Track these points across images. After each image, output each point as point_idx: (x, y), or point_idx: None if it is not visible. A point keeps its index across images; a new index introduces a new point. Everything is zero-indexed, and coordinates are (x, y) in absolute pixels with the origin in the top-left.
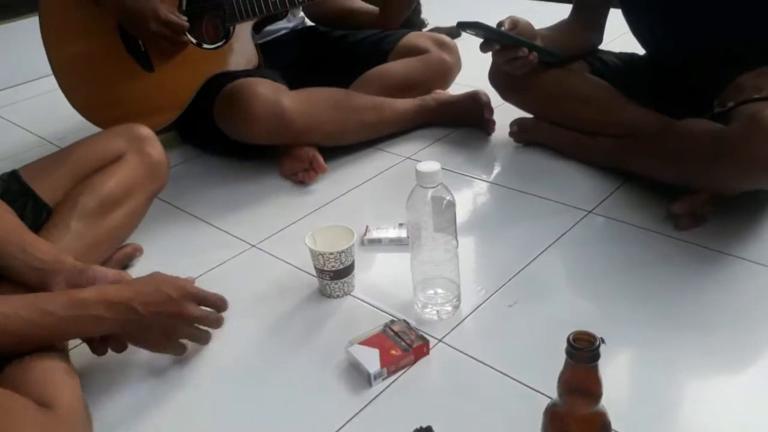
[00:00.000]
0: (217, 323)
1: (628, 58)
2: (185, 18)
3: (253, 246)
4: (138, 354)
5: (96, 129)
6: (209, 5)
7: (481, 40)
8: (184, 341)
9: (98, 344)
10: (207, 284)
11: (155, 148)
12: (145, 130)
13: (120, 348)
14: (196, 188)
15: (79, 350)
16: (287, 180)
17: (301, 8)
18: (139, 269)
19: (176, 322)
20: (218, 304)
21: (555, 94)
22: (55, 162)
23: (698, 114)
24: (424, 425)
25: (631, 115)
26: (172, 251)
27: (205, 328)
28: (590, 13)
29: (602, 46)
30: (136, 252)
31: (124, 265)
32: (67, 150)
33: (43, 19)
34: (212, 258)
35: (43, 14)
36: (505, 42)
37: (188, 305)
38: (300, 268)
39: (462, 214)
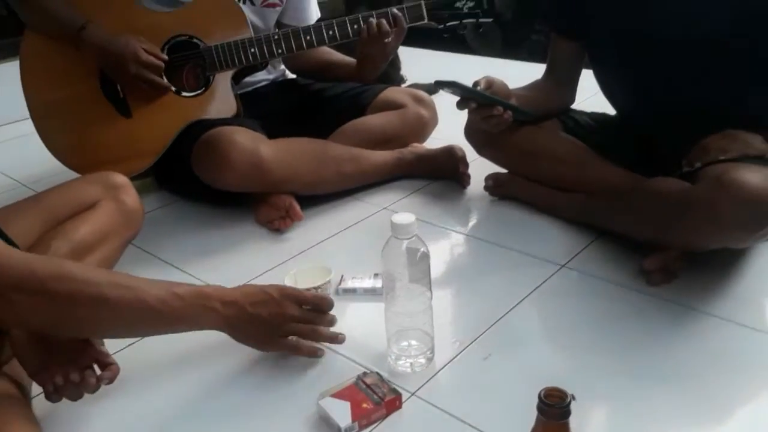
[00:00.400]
0: (325, 321)
1: (599, 118)
2: (165, 56)
3: None
4: (99, 404)
5: (72, 174)
6: (190, 54)
7: (458, 98)
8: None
9: (53, 392)
10: (178, 334)
11: (130, 195)
12: (121, 178)
13: (76, 396)
14: (170, 234)
15: (38, 399)
16: (263, 227)
17: (281, 60)
18: None
19: (279, 321)
20: (319, 303)
21: (529, 151)
22: (29, 207)
23: (668, 172)
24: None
25: (603, 173)
26: None
27: (321, 330)
28: (563, 73)
29: (574, 106)
30: None
31: None
32: (42, 195)
33: (23, 63)
34: None
35: (24, 59)
36: (480, 101)
37: (288, 304)
38: None
39: (437, 265)
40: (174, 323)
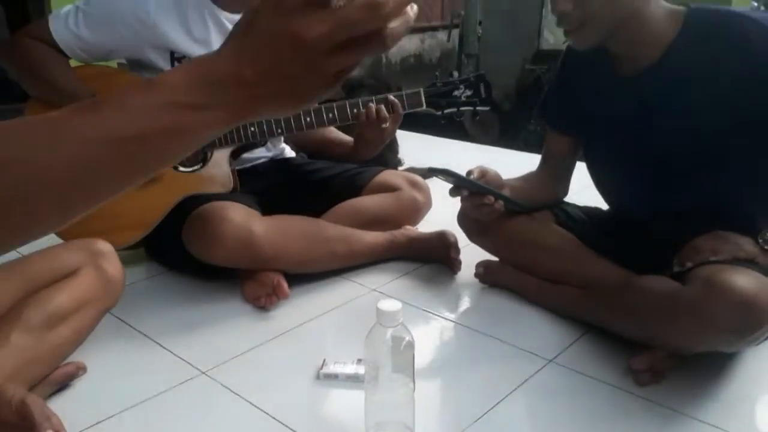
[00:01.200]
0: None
1: (592, 212)
2: None
3: (203, 373)
4: None
5: (56, 240)
6: None
7: (451, 185)
8: None
9: None
10: (146, 413)
11: (113, 264)
12: (105, 246)
13: None
14: (153, 306)
15: None
16: (249, 304)
17: (281, 138)
18: (78, 389)
19: (307, 62)
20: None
21: (520, 242)
22: (6, 272)
23: (659, 269)
24: None
25: (594, 267)
26: (115, 372)
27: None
28: (556, 166)
29: (567, 198)
30: (78, 371)
31: (63, 385)
32: (22, 260)
33: None
34: (157, 382)
35: None
36: (473, 189)
37: (305, 23)
38: (251, 402)
39: (422, 352)
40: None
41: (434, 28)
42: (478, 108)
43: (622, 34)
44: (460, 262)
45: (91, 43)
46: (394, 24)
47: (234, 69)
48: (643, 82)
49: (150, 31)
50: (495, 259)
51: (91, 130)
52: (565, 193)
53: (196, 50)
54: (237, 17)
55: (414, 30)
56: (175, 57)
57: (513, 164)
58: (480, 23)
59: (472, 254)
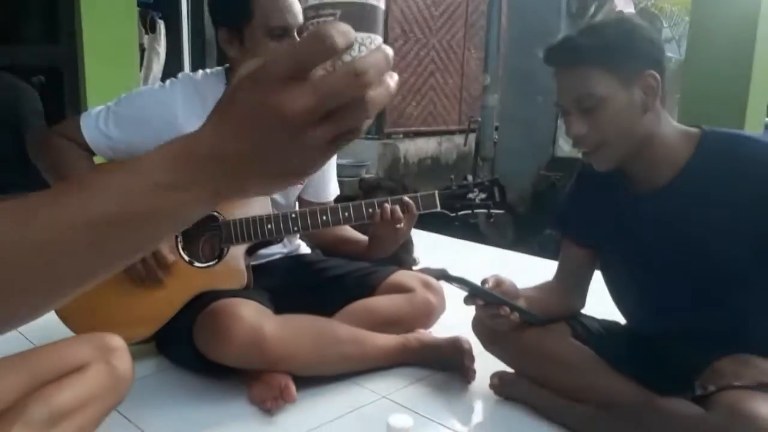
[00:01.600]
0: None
1: (609, 326)
2: (173, 257)
3: None
4: None
5: (66, 331)
6: (208, 226)
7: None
8: None
9: None
10: None
11: (124, 361)
12: (116, 341)
13: None
14: (158, 404)
15: None
16: (255, 406)
17: (297, 235)
18: None
19: (286, 137)
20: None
21: (536, 354)
22: (14, 364)
23: (678, 388)
24: None
25: (611, 384)
26: None
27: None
28: (573, 278)
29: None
30: None
31: None
32: (30, 354)
33: None
34: None
35: None
36: (488, 299)
37: (283, 92)
38: None
39: None
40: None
41: (451, 132)
42: (492, 211)
43: (637, 155)
44: (474, 372)
45: (118, 142)
46: (375, 92)
47: (216, 145)
48: (659, 201)
49: (176, 134)
50: (510, 370)
51: (66, 212)
52: (583, 305)
53: None
54: None
55: (432, 133)
56: None
57: (529, 270)
58: (497, 128)
59: (486, 362)
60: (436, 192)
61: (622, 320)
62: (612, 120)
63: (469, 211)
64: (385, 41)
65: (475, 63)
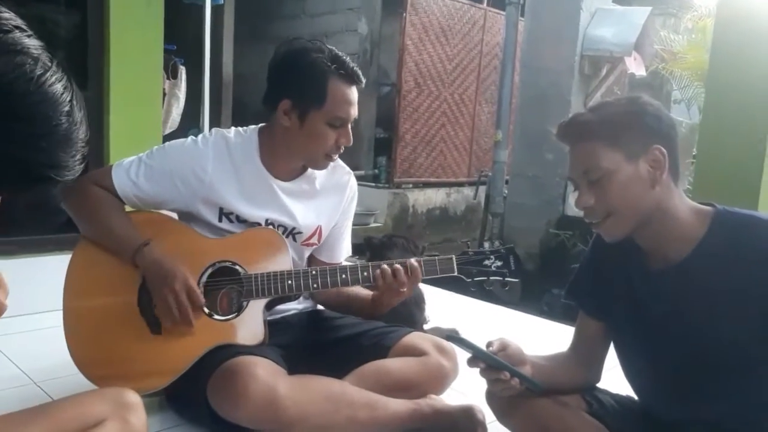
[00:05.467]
0: None
1: (624, 401)
2: (204, 300)
3: None
4: None
5: (80, 376)
6: (229, 280)
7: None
8: None
9: None
10: None
11: (139, 417)
12: (133, 397)
13: None
14: None
15: None
16: None
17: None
18: None
19: None
20: None
21: (550, 429)
22: (35, 418)
23: None
24: None
25: None
26: None
27: None
28: (588, 349)
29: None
30: None
31: None
32: (50, 408)
33: (71, 268)
34: None
35: (73, 264)
36: (490, 363)
37: None
38: None
39: None
40: None
41: (460, 184)
42: (507, 279)
43: (648, 229)
44: None
45: (148, 194)
46: None
47: None
48: (672, 279)
49: (205, 189)
50: None
51: None
52: (597, 379)
53: (244, 209)
54: (287, 185)
55: (441, 184)
56: (224, 212)
57: (538, 331)
58: (507, 182)
59: None
60: (454, 257)
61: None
62: (618, 191)
63: (485, 278)
64: (398, 92)
65: (485, 117)
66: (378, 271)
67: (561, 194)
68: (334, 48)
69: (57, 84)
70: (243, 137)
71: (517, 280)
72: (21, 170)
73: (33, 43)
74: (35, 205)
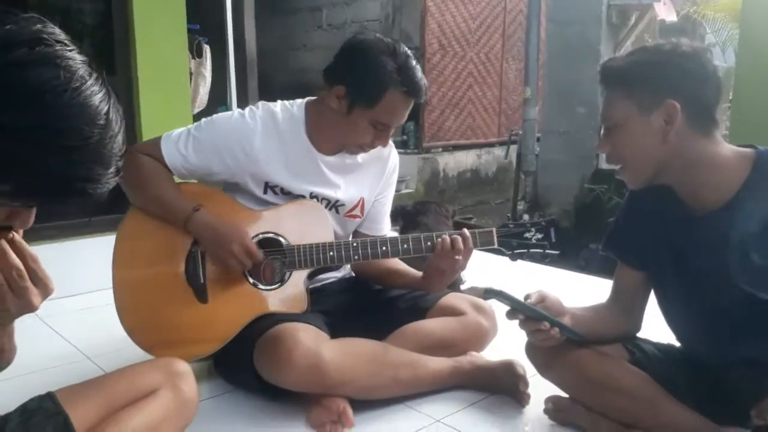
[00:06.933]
0: None
1: (665, 349)
2: (263, 255)
3: None
4: None
5: (132, 351)
6: (273, 250)
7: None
8: None
9: None
10: None
11: (189, 385)
12: (183, 366)
13: None
14: (218, 427)
15: None
16: (313, 429)
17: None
18: None
19: None
20: None
21: (592, 380)
22: (91, 391)
23: (737, 418)
24: None
25: (670, 412)
26: None
27: None
28: (628, 301)
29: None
30: None
31: None
32: (104, 380)
33: (118, 241)
34: None
35: (120, 237)
36: (528, 314)
37: None
38: None
39: None
40: None
41: (491, 145)
42: (547, 251)
43: (680, 176)
44: (528, 396)
45: (196, 165)
46: None
47: None
48: (715, 224)
49: (252, 163)
50: (565, 394)
51: None
52: (638, 328)
53: (290, 183)
54: (330, 159)
55: (471, 146)
56: (269, 185)
57: (574, 286)
58: (538, 140)
59: (541, 386)
60: (494, 230)
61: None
62: (627, 143)
63: (525, 250)
64: (422, 55)
65: (513, 74)
66: (422, 241)
67: (594, 148)
68: (410, 54)
69: (93, 97)
70: (290, 111)
71: (557, 252)
72: (56, 182)
73: (73, 56)
74: None
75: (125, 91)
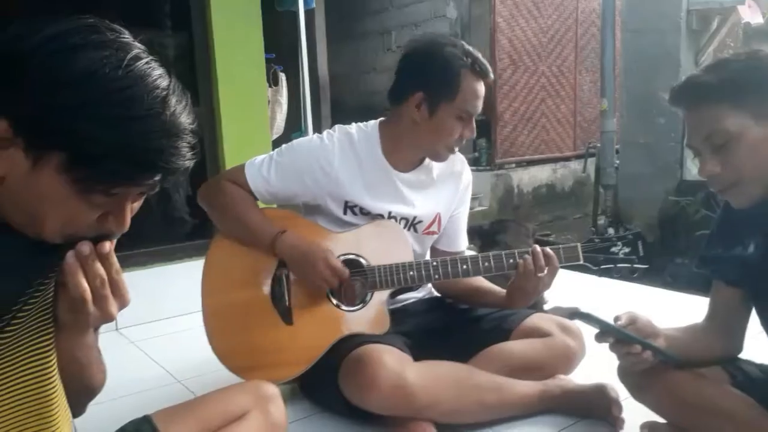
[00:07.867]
0: None
1: None
2: (348, 272)
3: None
4: None
5: (219, 372)
6: (354, 272)
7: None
8: None
9: None
10: None
11: (278, 408)
12: (271, 389)
13: None
14: None
15: None
16: None
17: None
18: None
19: None
20: None
21: (691, 404)
22: (186, 412)
23: None
24: None
25: None
26: None
27: None
28: (726, 319)
29: None
30: None
31: None
32: (198, 403)
33: (207, 267)
34: None
35: (209, 263)
36: (619, 337)
37: None
38: None
39: None
40: None
41: (566, 158)
42: (636, 266)
43: None
44: (623, 420)
45: (279, 188)
46: None
47: None
48: None
49: (332, 182)
50: (662, 420)
51: None
52: (739, 349)
53: (368, 202)
54: (406, 176)
55: (545, 161)
56: (348, 205)
57: (663, 305)
58: (617, 152)
59: (635, 410)
60: (579, 245)
61: None
62: (747, 156)
63: (612, 265)
64: (493, 71)
65: (587, 87)
66: (504, 259)
67: (677, 159)
68: (464, 42)
69: (151, 71)
70: (365, 132)
71: (646, 266)
72: (127, 157)
73: (127, 40)
74: (162, 216)
75: (209, 122)
